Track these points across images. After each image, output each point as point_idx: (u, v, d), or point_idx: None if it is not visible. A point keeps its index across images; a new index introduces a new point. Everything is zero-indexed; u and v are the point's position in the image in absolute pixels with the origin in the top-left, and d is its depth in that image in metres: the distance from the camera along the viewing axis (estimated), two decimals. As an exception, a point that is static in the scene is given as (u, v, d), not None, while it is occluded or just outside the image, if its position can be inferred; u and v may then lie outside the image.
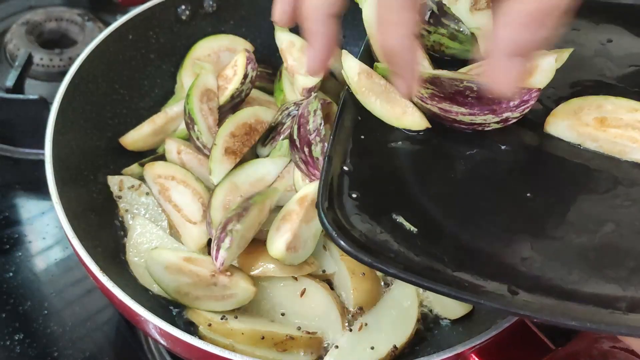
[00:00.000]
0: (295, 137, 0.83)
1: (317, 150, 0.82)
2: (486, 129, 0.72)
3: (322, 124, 0.82)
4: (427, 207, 0.66)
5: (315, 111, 0.83)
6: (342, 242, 0.59)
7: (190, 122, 0.89)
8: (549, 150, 0.72)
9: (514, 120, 0.71)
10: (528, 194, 0.67)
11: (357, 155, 0.70)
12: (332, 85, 1.02)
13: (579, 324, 0.54)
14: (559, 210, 0.66)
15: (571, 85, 0.78)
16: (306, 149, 0.82)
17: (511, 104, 0.70)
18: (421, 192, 0.68)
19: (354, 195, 0.66)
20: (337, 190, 0.65)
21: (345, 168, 0.69)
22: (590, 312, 0.56)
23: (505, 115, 0.71)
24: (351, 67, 0.77)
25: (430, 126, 0.73)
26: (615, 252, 0.62)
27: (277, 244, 0.79)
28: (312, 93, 0.90)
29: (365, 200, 0.66)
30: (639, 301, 0.57)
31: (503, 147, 0.72)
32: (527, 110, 0.70)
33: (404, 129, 0.74)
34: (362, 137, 0.73)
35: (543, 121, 0.74)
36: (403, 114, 0.74)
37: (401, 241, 0.62)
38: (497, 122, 0.71)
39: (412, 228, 0.64)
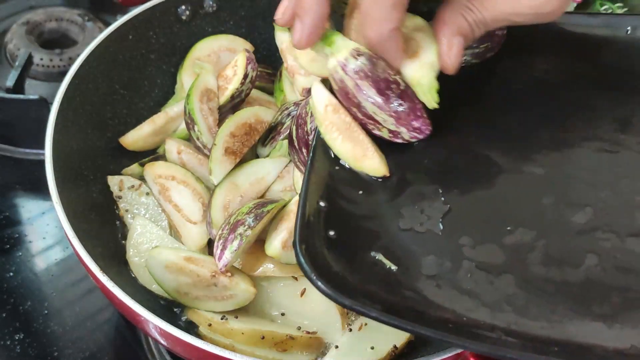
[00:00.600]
0: (293, 137, 0.83)
1: None
2: (374, 131, 0.71)
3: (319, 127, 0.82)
4: (405, 244, 0.64)
5: (312, 112, 0.82)
6: (320, 285, 0.57)
7: (190, 122, 0.89)
8: (523, 178, 0.70)
9: (400, 141, 0.71)
10: (508, 228, 0.65)
11: (332, 191, 0.68)
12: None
13: None
14: (541, 245, 0.64)
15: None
16: (304, 150, 0.82)
17: (414, 122, 0.70)
18: (399, 229, 0.66)
19: (331, 234, 0.64)
20: (314, 228, 0.63)
21: (322, 204, 0.66)
22: (580, 352, 0.56)
23: (401, 129, 0.70)
24: (319, 98, 0.74)
25: (388, 175, 0.70)
26: (599, 287, 0.61)
27: (274, 242, 0.79)
28: None
29: (343, 239, 0.64)
30: (624, 340, 0.56)
31: (478, 179, 0.71)
32: (414, 140, 0.71)
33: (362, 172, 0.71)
34: (337, 171, 0.71)
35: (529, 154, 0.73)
36: (363, 157, 0.71)
37: (381, 280, 0.61)
38: (389, 132, 0.71)
39: (392, 266, 0.62)
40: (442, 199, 0.68)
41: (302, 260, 0.59)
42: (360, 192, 0.69)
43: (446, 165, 0.72)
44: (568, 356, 0.55)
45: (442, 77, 0.70)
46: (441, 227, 0.66)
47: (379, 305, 0.57)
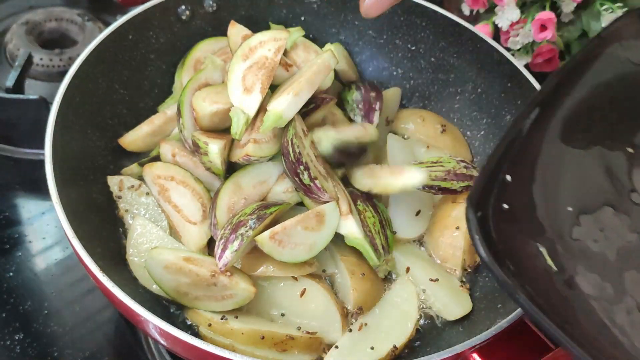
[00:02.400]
0: (285, 169, 0.84)
1: (305, 178, 0.82)
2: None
3: (301, 152, 0.82)
4: (573, 251, 0.61)
5: (292, 140, 0.83)
6: (482, 252, 0.56)
7: (178, 114, 0.89)
8: None
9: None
10: None
11: (522, 167, 0.65)
12: (333, 86, 1.02)
13: None
14: None
15: None
16: (297, 179, 0.83)
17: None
18: (571, 234, 0.63)
19: (505, 207, 0.61)
20: (491, 195, 0.61)
21: (508, 177, 0.63)
22: None
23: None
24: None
25: None
26: None
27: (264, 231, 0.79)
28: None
29: (514, 217, 0.61)
30: None
31: None
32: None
33: None
34: (535, 151, 0.67)
35: None
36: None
37: (538, 274, 0.58)
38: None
39: (553, 265, 0.60)
40: (628, 227, 0.66)
41: (471, 216, 0.58)
42: (549, 179, 0.67)
43: None
44: None
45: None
46: (616, 253, 0.63)
47: (529, 293, 0.55)
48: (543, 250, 0.61)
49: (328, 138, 0.86)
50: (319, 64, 0.88)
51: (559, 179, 0.67)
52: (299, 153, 0.82)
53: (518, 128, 0.67)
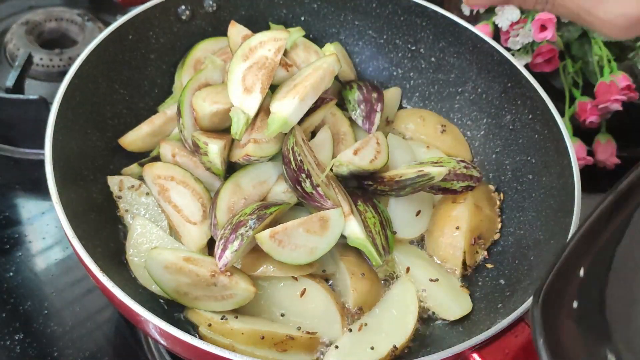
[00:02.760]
0: (286, 177, 0.84)
1: (307, 186, 0.82)
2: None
3: (303, 160, 0.82)
4: None
5: (292, 148, 0.83)
6: (543, 350, 0.53)
7: (178, 114, 0.89)
8: None
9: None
10: None
11: (598, 261, 0.61)
12: (333, 86, 1.02)
13: None
14: None
15: None
16: (298, 187, 0.83)
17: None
18: None
19: (574, 305, 0.57)
20: (562, 291, 0.58)
21: (581, 273, 0.59)
22: None
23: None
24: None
25: None
26: None
27: (264, 231, 0.79)
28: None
29: (584, 317, 0.57)
30: None
31: None
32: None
33: None
34: (613, 243, 0.62)
35: None
36: None
37: None
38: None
39: None
40: None
41: (536, 308, 0.55)
42: (624, 276, 0.61)
43: None
44: None
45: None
46: None
47: None
48: (612, 358, 0.56)
49: (349, 165, 0.87)
50: (324, 68, 0.88)
51: (635, 276, 0.62)
52: (301, 161, 0.82)
53: (598, 216, 0.62)
